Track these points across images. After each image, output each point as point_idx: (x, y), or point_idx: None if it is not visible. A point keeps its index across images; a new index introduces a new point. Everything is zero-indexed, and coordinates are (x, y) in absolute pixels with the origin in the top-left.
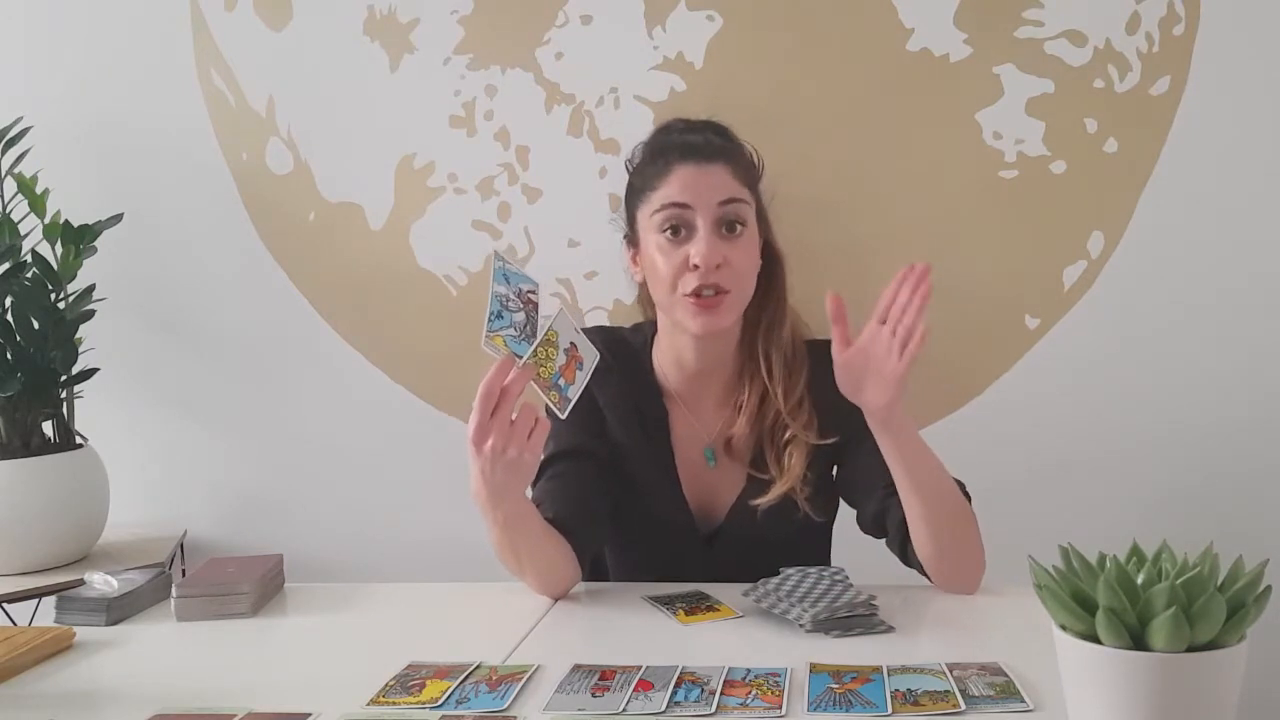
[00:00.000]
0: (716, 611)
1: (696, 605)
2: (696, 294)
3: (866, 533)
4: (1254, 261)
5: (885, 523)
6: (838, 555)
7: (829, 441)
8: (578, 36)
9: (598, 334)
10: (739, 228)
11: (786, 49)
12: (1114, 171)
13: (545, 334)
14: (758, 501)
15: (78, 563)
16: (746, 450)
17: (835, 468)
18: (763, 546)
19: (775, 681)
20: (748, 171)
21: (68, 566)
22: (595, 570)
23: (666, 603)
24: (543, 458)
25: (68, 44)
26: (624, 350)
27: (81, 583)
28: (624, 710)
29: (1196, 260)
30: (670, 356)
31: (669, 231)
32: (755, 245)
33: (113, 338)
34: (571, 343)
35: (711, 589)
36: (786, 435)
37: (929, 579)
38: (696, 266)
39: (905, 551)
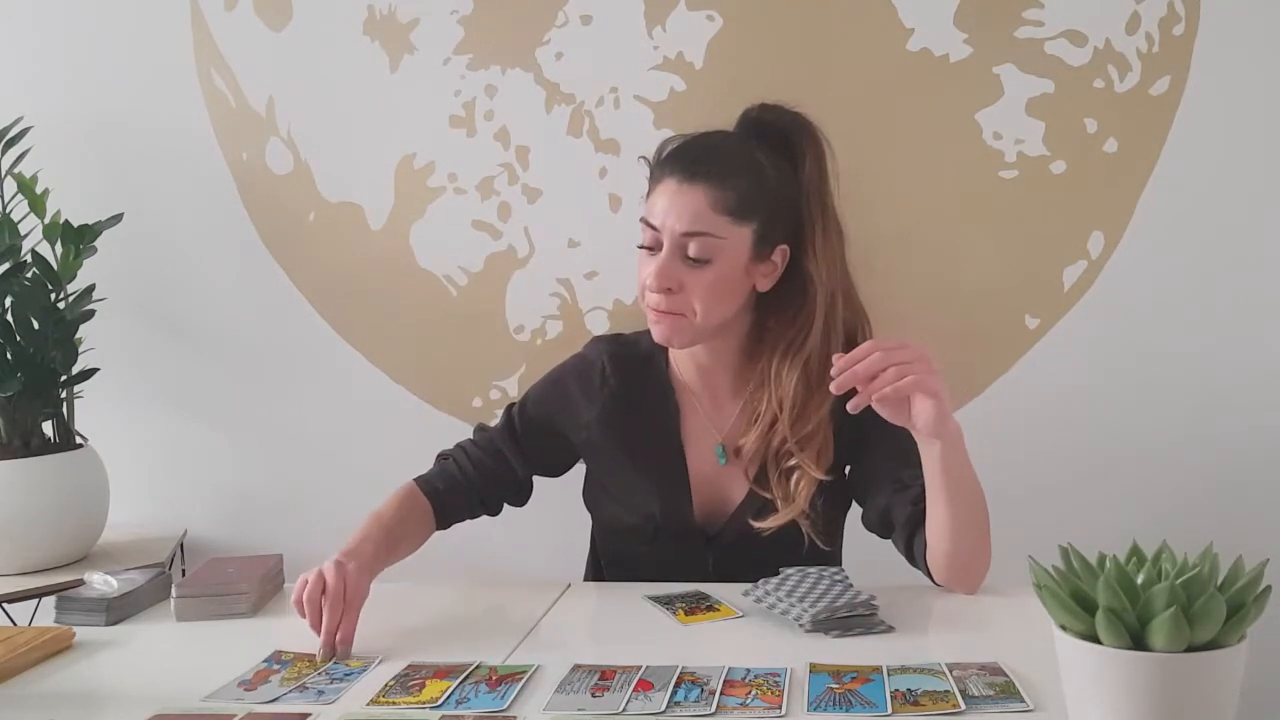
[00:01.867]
0: (717, 611)
1: (696, 605)
2: (654, 308)
3: (870, 530)
4: (1254, 261)
5: (892, 519)
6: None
7: (830, 479)
8: (578, 36)
9: (603, 343)
10: (703, 259)
11: (786, 49)
12: (1114, 171)
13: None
14: (760, 524)
15: (78, 563)
16: (753, 463)
17: (848, 468)
18: (765, 547)
19: (775, 681)
20: (744, 196)
21: (68, 566)
22: (594, 570)
23: (666, 603)
24: (492, 425)
25: (68, 44)
26: (631, 358)
27: (81, 583)
28: (624, 710)
29: (1196, 260)
30: (683, 351)
31: (645, 242)
32: (727, 276)
33: (113, 338)
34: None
35: (712, 589)
36: (792, 462)
37: (930, 578)
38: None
39: (911, 549)
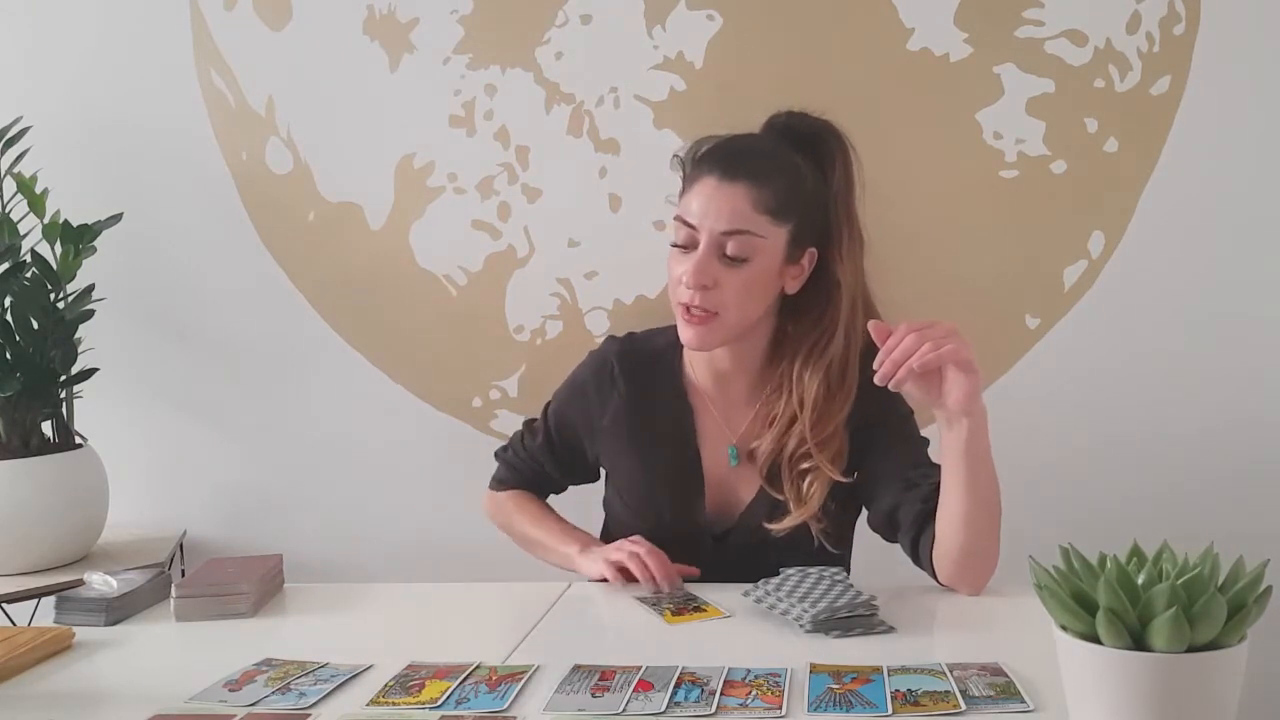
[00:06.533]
0: (703, 612)
1: (684, 606)
2: (686, 308)
3: (876, 531)
4: (1253, 261)
5: (898, 517)
6: None
7: (847, 480)
8: (578, 36)
9: (614, 343)
10: (740, 258)
11: (786, 49)
12: (1114, 171)
13: None
14: (772, 526)
15: (78, 563)
16: (766, 465)
17: (857, 473)
18: (775, 550)
19: (775, 681)
20: (784, 196)
21: (68, 566)
22: None
23: (654, 603)
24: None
25: (68, 44)
26: (642, 358)
27: (81, 583)
28: (624, 710)
29: (1196, 260)
30: (700, 354)
31: (679, 240)
32: (763, 275)
33: (113, 338)
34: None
35: (703, 589)
36: (807, 464)
37: (935, 577)
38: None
39: (917, 546)
